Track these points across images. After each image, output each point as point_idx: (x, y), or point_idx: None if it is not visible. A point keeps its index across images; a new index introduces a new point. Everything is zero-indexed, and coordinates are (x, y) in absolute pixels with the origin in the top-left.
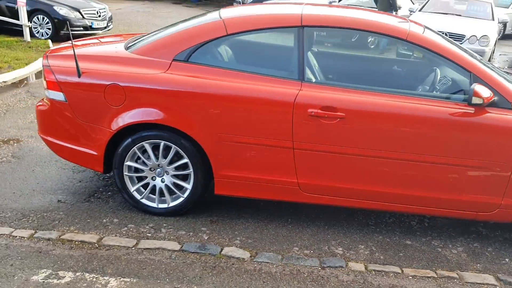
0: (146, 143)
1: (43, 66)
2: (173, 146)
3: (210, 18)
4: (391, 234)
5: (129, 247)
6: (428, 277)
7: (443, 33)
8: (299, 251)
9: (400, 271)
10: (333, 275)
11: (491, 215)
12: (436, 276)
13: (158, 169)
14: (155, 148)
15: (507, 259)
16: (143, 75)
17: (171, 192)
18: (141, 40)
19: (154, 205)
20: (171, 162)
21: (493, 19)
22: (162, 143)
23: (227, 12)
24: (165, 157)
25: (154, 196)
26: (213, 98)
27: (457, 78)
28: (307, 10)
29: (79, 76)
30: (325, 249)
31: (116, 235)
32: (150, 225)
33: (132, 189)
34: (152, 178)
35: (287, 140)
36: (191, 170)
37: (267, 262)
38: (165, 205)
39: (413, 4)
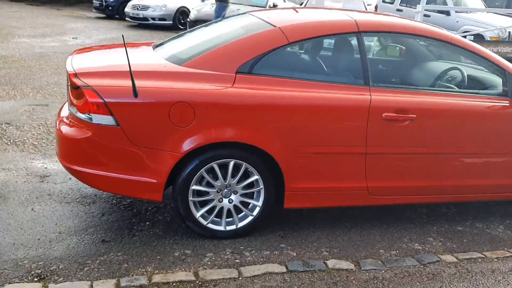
0: (215, 163)
1: (79, 87)
2: (244, 163)
3: (259, 25)
4: (440, 223)
5: (236, 278)
6: (506, 257)
7: None
8: (387, 253)
9: (483, 256)
10: (439, 270)
11: None
12: (510, 255)
13: (225, 190)
14: (221, 168)
15: None
16: (211, 90)
17: (237, 213)
18: (179, 50)
19: (221, 228)
20: (239, 181)
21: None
22: (232, 162)
23: (277, 19)
24: (233, 176)
25: (218, 219)
26: (285, 110)
27: (491, 75)
28: (358, 17)
29: (135, 96)
30: (405, 246)
31: (208, 268)
32: (229, 251)
33: (197, 215)
34: (219, 200)
35: (361, 146)
36: (262, 186)
37: (375, 269)
38: (233, 227)
39: (285, 2)
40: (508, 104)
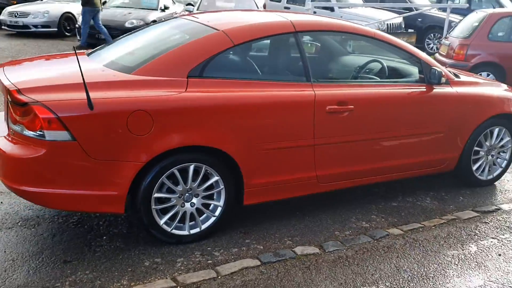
0: (175, 169)
1: (26, 104)
2: (204, 166)
3: (200, 29)
4: (376, 202)
5: (215, 277)
6: (441, 224)
7: None
8: (342, 233)
9: (422, 225)
10: (391, 243)
11: (444, 167)
12: (444, 221)
13: (187, 194)
14: (181, 172)
15: (461, 198)
16: (167, 96)
17: (199, 215)
18: (122, 57)
19: (186, 233)
20: (200, 184)
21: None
22: (193, 165)
23: (217, 23)
24: (193, 180)
25: (180, 224)
26: (239, 110)
27: (407, 65)
28: (291, 17)
29: (91, 108)
30: (354, 226)
31: (183, 272)
32: (198, 253)
33: (161, 222)
34: (181, 205)
35: (309, 138)
36: (222, 186)
37: (337, 249)
38: (197, 230)
39: (174, 3)
40: (425, 89)
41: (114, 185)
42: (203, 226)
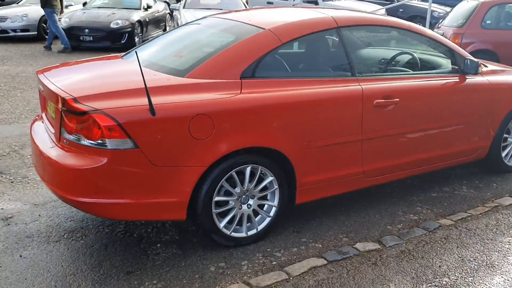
0: (234, 171)
1: (85, 112)
2: (260, 167)
3: (245, 29)
4: (416, 194)
5: (287, 278)
6: (486, 211)
7: None
8: (394, 228)
9: (469, 214)
10: (446, 233)
11: (476, 156)
12: (488, 209)
13: (243, 196)
14: (238, 175)
15: (495, 185)
16: (225, 99)
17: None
18: (169, 61)
19: (244, 235)
20: (255, 185)
21: None
22: (249, 167)
23: (260, 21)
24: (249, 181)
25: (237, 227)
26: (292, 108)
27: (441, 56)
28: (331, 13)
29: (153, 114)
30: (404, 219)
31: (252, 276)
32: (260, 255)
33: (221, 226)
34: (239, 208)
35: (357, 133)
36: (276, 186)
37: (397, 244)
38: (254, 231)
39: (155, 2)
40: (459, 80)
41: (177, 192)
42: (259, 227)
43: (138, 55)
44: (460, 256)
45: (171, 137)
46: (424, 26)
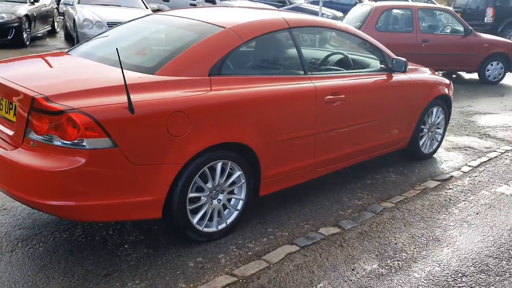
0: (206, 167)
1: (61, 112)
2: (229, 162)
3: (204, 27)
4: (352, 182)
5: (268, 266)
6: (418, 194)
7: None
8: (346, 212)
9: (405, 197)
10: (392, 214)
11: (399, 146)
12: (419, 191)
13: (214, 191)
14: (209, 170)
15: (416, 170)
16: (199, 96)
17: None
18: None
19: (214, 229)
20: (225, 180)
21: (146, 8)
22: (220, 162)
23: (218, 20)
24: (220, 176)
25: (208, 222)
26: (258, 104)
27: (370, 56)
28: (280, 14)
29: (132, 111)
30: (351, 204)
31: (233, 267)
32: (233, 247)
33: (194, 222)
34: (210, 203)
35: (312, 127)
36: (244, 180)
37: (354, 226)
38: (223, 225)
39: None
40: (387, 78)
41: (153, 190)
42: (228, 221)
43: (82, 51)
44: (409, 233)
45: (149, 135)
46: None
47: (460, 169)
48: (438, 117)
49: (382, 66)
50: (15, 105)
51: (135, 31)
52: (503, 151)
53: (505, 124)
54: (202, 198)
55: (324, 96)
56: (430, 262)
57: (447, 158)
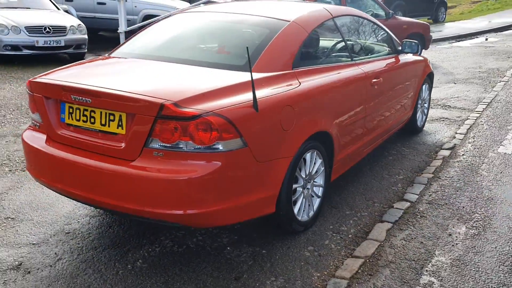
0: (302, 158)
1: (196, 116)
2: (316, 151)
3: (269, 22)
4: (381, 160)
5: (381, 243)
6: (442, 162)
7: (43, 28)
8: (401, 186)
9: (433, 166)
10: (440, 184)
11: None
12: (441, 160)
13: (305, 181)
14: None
15: (420, 142)
16: (298, 89)
17: None
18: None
19: (307, 218)
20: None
21: (58, 9)
22: (310, 152)
23: (277, 14)
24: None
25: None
26: (334, 91)
27: (381, 42)
28: (322, 5)
29: (257, 109)
30: (395, 180)
31: (348, 250)
32: (330, 232)
33: (295, 212)
34: (303, 193)
35: (363, 110)
36: (323, 168)
37: (418, 198)
38: (312, 213)
39: None
40: (398, 59)
41: (270, 185)
42: (315, 209)
43: (139, 53)
44: (466, 197)
45: (268, 131)
46: None
47: (455, 137)
48: (425, 93)
49: (391, 49)
50: (121, 115)
51: (187, 30)
52: (474, 117)
53: (454, 96)
54: (298, 188)
55: (371, 80)
56: (502, 218)
57: (435, 130)
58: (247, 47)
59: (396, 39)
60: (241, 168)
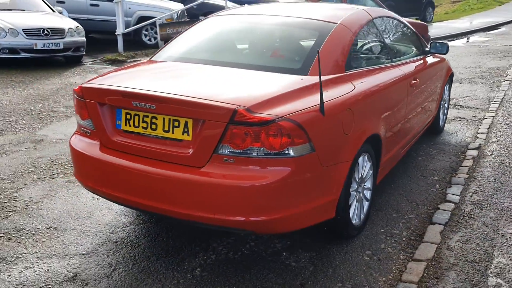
0: (357, 161)
1: (269, 122)
2: (366, 154)
3: (317, 24)
4: (410, 163)
5: (438, 245)
6: (473, 163)
7: (42, 30)
8: (436, 188)
9: (466, 167)
10: (478, 185)
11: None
12: (471, 160)
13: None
14: None
15: (445, 143)
16: (354, 92)
17: None
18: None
19: (358, 221)
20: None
21: (53, 11)
22: (363, 155)
23: (322, 16)
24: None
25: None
26: (382, 94)
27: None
28: (361, 7)
29: (323, 113)
30: (430, 182)
31: (406, 252)
32: (383, 236)
33: (351, 216)
34: (356, 197)
35: (404, 110)
36: (372, 171)
37: (461, 199)
38: (363, 216)
39: None
40: (426, 61)
41: (332, 190)
42: (365, 212)
43: (184, 57)
44: (507, 196)
45: (333, 135)
46: None
47: (477, 137)
48: (446, 93)
49: (419, 49)
50: (187, 121)
51: (232, 33)
52: (491, 117)
53: (463, 95)
54: (351, 192)
55: (410, 81)
56: None
57: (455, 130)
58: (317, 50)
59: (423, 39)
60: (308, 173)
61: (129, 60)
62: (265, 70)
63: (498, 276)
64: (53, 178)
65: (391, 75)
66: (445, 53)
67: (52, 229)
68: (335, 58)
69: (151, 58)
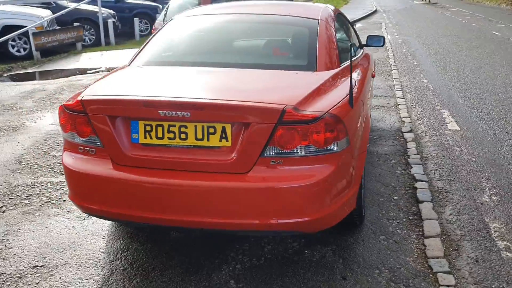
0: None
1: (316, 118)
2: None
3: (302, 21)
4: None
5: (437, 220)
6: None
7: None
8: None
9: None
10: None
11: None
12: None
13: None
14: None
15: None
16: (359, 85)
17: None
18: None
19: (363, 211)
20: None
21: None
22: None
23: (302, 13)
24: None
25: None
26: (367, 83)
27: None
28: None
29: (352, 106)
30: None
31: (416, 235)
32: (384, 220)
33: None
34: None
35: (368, 96)
36: None
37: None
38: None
39: None
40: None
41: (358, 180)
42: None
43: (181, 61)
44: (468, 170)
45: (358, 127)
46: (96, 27)
47: (403, 121)
48: None
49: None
50: (224, 126)
51: (223, 33)
52: (403, 102)
53: None
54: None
55: (372, 72)
56: None
57: (379, 117)
58: (350, 44)
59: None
60: (347, 166)
61: (5, 75)
62: (276, 68)
63: (502, 239)
64: (3, 212)
65: (366, 66)
66: (382, 46)
67: (39, 267)
68: (332, 53)
69: (131, 63)
